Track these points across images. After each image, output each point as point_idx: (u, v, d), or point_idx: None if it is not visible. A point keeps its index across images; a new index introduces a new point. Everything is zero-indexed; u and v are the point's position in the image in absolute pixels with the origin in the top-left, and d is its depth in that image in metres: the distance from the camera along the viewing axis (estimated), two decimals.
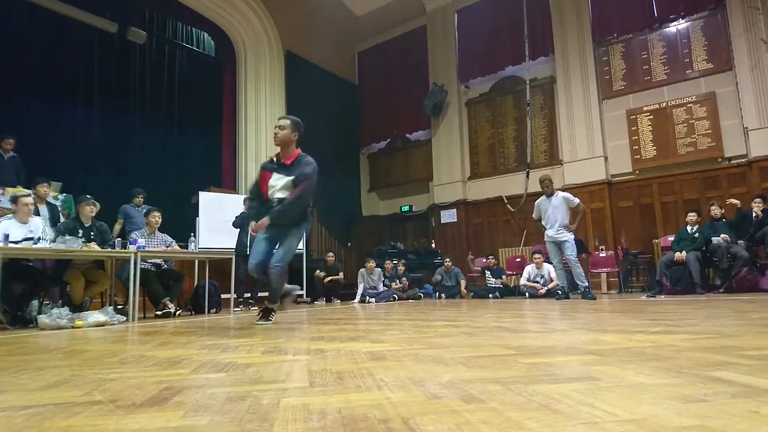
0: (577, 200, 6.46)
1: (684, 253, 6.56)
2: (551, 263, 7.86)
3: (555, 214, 6.38)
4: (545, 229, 6.53)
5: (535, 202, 6.69)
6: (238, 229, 6.81)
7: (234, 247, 6.79)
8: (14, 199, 4.79)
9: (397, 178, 12.32)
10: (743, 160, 7.89)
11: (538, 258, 7.76)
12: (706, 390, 1.10)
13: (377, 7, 12.72)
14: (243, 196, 7.29)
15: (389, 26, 12.55)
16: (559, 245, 6.42)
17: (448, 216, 10.96)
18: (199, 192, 7.65)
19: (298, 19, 11.30)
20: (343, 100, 12.28)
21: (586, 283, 6.27)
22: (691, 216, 6.94)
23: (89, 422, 1.04)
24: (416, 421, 0.94)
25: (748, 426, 0.84)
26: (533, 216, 6.79)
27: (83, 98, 8.63)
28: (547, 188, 6.50)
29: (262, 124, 10.31)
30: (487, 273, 8.60)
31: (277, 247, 3.77)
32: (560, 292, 6.51)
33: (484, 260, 9.00)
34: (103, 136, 8.70)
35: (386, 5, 12.59)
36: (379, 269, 8.72)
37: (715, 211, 6.86)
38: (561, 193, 6.51)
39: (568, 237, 6.30)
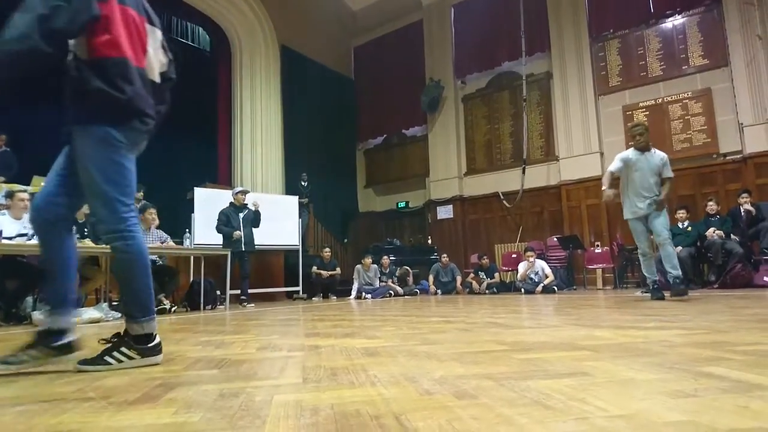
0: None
1: (680, 248, 6.59)
2: (543, 259, 7.85)
3: (648, 179, 4.63)
4: (623, 197, 4.84)
5: (619, 155, 4.85)
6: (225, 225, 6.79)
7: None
8: (10, 195, 4.77)
9: (394, 174, 12.31)
10: (738, 156, 7.91)
11: (530, 255, 7.78)
12: (696, 385, 1.11)
13: (373, 1, 12.68)
14: (234, 190, 7.26)
15: (385, 21, 12.51)
16: (645, 221, 4.78)
17: (445, 212, 10.97)
18: (195, 188, 7.62)
19: (293, 14, 11.25)
20: (339, 96, 12.25)
21: (679, 271, 4.68)
22: (681, 213, 6.99)
23: (80, 419, 1.03)
24: (408, 417, 0.94)
25: (737, 421, 0.84)
26: (611, 171, 4.83)
27: None
28: (641, 137, 4.66)
29: (258, 119, 10.28)
30: (480, 273, 8.60)
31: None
32: (649, 288, 4.89)
33: (476, 260, 9.01)
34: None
35: (382, 0, 12.54)
36: (375, 266, 8.73)
37: (712, 207, 6.89)
38: (659, 152, 4.76)
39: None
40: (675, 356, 1.51)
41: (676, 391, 1.06)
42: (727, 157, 8.05)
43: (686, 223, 6.92)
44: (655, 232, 4.76)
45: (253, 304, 6.66)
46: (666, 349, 1.65)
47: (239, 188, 7.09)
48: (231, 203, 6.81)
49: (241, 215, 6.75)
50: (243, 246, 6.56)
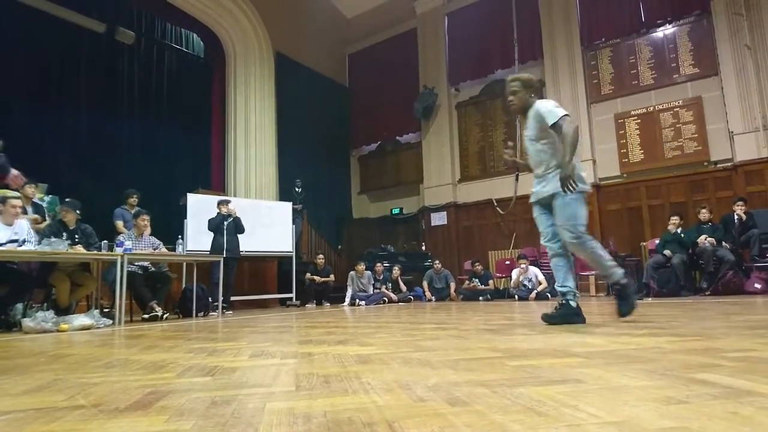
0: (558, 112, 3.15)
1: (668, 252, 6.65)
2: (537, 266, 7.84)
3: (528, 147, 3.41)
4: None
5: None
6: (214, 232, 6.80)
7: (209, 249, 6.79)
8: (3, 200, 4.73)
9: (388, 181, 12.33)
10: (729, 164, 7.99)
11: (523, 262, 7.80)
12: (688, 392, 1.11)
13: (368, 9, 12.75)
14: (220, 198, 7.28)
15: (380, 29, 12.58)
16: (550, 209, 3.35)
17: (439, 218, 10.99)
18: (188, 194, 7.60)
19: (288, 21, 11.29)
20: (333, 103, 12.28)
21: (568, 287, 3.42)
22: (674, 220, 7.05)
23: (70, 427, 1.02)
24: (401, 425, 0.94)
25: (727, 427, 0.85)
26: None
27: (71, 99, 8.56)
28: (514, 97, 3.38)
29: (252, 125, 10.28)
30: (475, 280, 8.60)
31: None
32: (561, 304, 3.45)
33: (471, 267, 9.01)
34: (91, 137, 8.62)
35: (377, 8, 12.62)
36: (369, 272, 8.72)
37: (704, 214, 6.95)
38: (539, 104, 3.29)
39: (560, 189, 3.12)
40: (667, 363, 1.52)
41: (668, 398, 1.06)
42: (718, 165, 8.13)
43: (678, 230, 6.98)
44: (558, 226, 3.32)
45: (231, 312, 6.66)
46: (658, 356, 1.66)
47: (220, 198, 7.15)
48: (218, 212, 6.87)
49: (226, 224, 6.78)
50: (225, 253, 6.57)
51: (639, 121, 8.94)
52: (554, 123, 3.13)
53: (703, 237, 6.65)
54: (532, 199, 3.46)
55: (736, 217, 6.68)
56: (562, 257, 3.44)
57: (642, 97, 8.98)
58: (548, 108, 3.21)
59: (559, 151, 3.19)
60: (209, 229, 6.76)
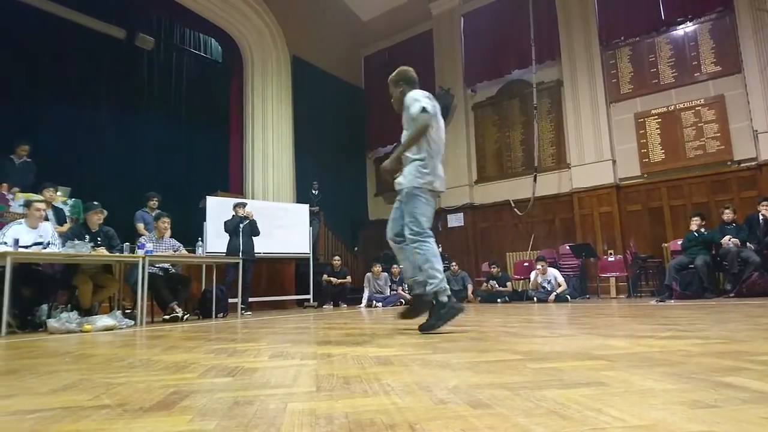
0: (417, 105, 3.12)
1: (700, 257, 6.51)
2: (556, 267, 7.77)
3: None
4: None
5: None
6: (230, 234, 6.84)
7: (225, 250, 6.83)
8: (28, 204, 4.85)
9: None
10: (753, 164, 7.81)
11: (543, 265, 7.70)
12: (716, 396, 1.09)
13: (383, 11, 12.77)
14: (237, 200, 7.30)
15: (395, 31, 12.58)
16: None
17: (455, 220, 10.94)
18: (207, 197, 7.69)
19: (304, 25, 11.36)
20: (349, 105, 12.32)
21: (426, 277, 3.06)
22: (695, 220, 6.90)
23: (96, 426, 1.04)
24: (422, 427, 0.94)
25: None
26: None
27: (92, 104, 8.73)
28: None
29: (269, 128, 10.36)
30: (492, 282, 8.52)
31: None
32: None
33: (488, 268, 8.94)
34: (112, 142, 8.80)
35: (392, 10, 12.63)
36: (386, 274, 8.71)
37: (728, 215, 6.80)
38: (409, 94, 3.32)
39: (405, 182, 3.18)
40: (693, 366, 1.48)
41: (696, 402, 1.04)
42: (742, 165, 7.96)
43: (702, 230, 6.84)
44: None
45: (250, 313, 6.70)
46: (683, 359, 1.63)
47: (236, 201, 7.17)
48: (233, 215, 6.92)
49: (242, 226, 6.82)
50: (241, 255, 6.61)
51: (660, 120, 8.79)
52: (411, 114, 3.09)
53: (727, 238, 6.50)
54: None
55: (761, 217, 6.52)
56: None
57: (662, 96, 8.83)
58: (414, 97, 3.17)
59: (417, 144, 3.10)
60: (225, 230, 6.83)
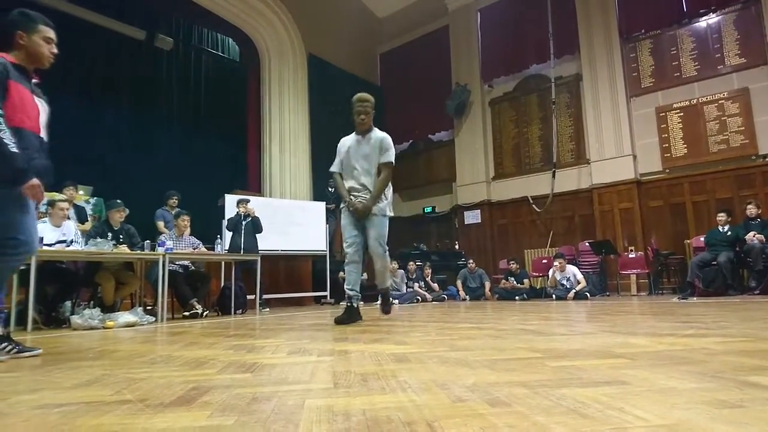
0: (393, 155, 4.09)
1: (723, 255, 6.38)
2: (575, 264, 7.69)
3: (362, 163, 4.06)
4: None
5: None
6: (232, 232, 6.86)
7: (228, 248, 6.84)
8: (51, 203, 4.96)
9: (420, 179, 12.27)
10: None
11: (561, 262, 7.60)
12: (741, 395, 1.06)
13: (399, 8, 12.73)
14: (239, 197, 7.28)
15: (411, 27, 12.54)
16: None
17: (472, 217, 10.87)
18: (225, 195, 7.76)
19: (320, 23, 11.38)
20: None
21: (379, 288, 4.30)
22: (721, 216, 6.76)
23: (118, 420, 1.06)
24: (441, 424, 0.94)
25: None
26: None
27: (113, 104, 8.87)
28: (365, 117, 4.22)
29: (286, 126, 10.41)
30: (511, 279, 8.44)
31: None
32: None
33: (506, 265, 8.86)
34: (133, 141, 8.93)
35: (408, 6, 12.58)
36: (402, 271, 8.70)
37: (751, 210, 6.64)
38: (381, 133, 4.21)
39: (377, 208, 3.95)
40: (717, 365, 1.45)
41: (721, 401, 1.02)
42: (767, 159, 7.76)
43: (726, 227, 6.69)
44: (370, 243, 4.00)
45: (267, 309, 6.72)
46: (707, 357, 1.59)
47: (239, 198, 7.15)
48: (237, 212, 6.94)
49: (244, 224, 6.83)
50: (241, 252, 6.62)
51: (682, 114, 8.61)
52: (387, 162, 4.04)
53: (751, 234, 6.35)
54: (344, 206, 4.02)
55: None
56: (357, 264, 4.00)
57: (684, 90, 8.64)
58: (390, 143, 4.13)
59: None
60: (227, 228, 6.84)
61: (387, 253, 4.05)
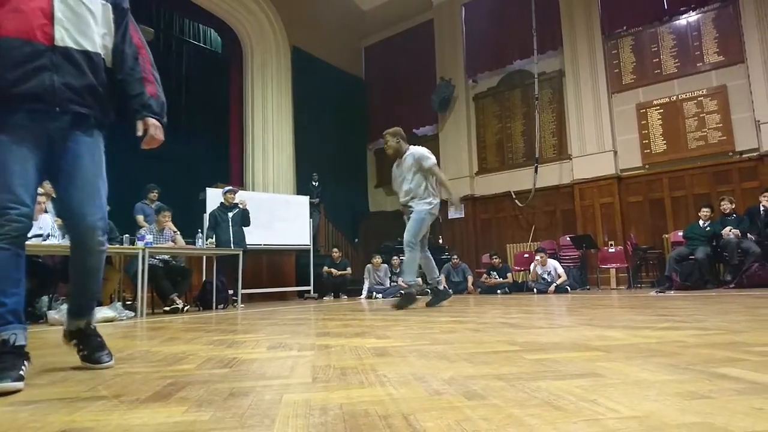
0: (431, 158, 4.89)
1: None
2: (556, 259, 7.81)
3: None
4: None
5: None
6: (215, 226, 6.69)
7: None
8: None
9: None
10: (755, 154, 7.78)
11: (542, 256, 7.69)
12: (711, 386, 1.09)
13: (384, 1, 12.67)
14: (223, 190, 7.14)
15: (396, 21, 12.50)
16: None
17: (456, 211, 10.92)
18: (207, 188, 7.68)
19: (304, 15, 11.28)
20: (349, 96, 12.27)
21: (412, 277, 5.01)
22: (705, 211, 6.88)
23: (92, 417, 1.04)
24: (416, 417, 0.94)
25: (751, 423, 0.83)
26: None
27: None
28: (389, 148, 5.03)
29: (269, 120, 10.33)
30: (493, 273, 8.52)
31: None
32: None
33: (488, 260, 8.93)
34: (110, 133, 8.75)
35: (393, 0, 12.54)
36: (386, 265, 8.72)
37: (725, 206, 6.79)
38: (410, 152, 4.94)
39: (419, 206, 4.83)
40: (689, 357, 1.48)
41: (690, 393, 1.04)
42: (744, 155, 7.92)
43: (707, 223, 6.83)
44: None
45: (243, 305, 6.56)
46: (680, 350, 1.63)
47: (227, 188, 7.04)
48: (221, 203, 6.81)
49: (230, 215, 6.73)
50: (232, 245, 6.54)
51: (661, 111, 8.75)
52: (427, 168, 4.78)
53: (727, 229, 6.49)
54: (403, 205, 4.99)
55: (762, 208, 6.51)
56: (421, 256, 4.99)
57: (665, 87, 8.78)
58: (423, 155, 4.79)
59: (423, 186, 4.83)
60: (209, 228, 6.64)
61: (411, 249, 4.78)
